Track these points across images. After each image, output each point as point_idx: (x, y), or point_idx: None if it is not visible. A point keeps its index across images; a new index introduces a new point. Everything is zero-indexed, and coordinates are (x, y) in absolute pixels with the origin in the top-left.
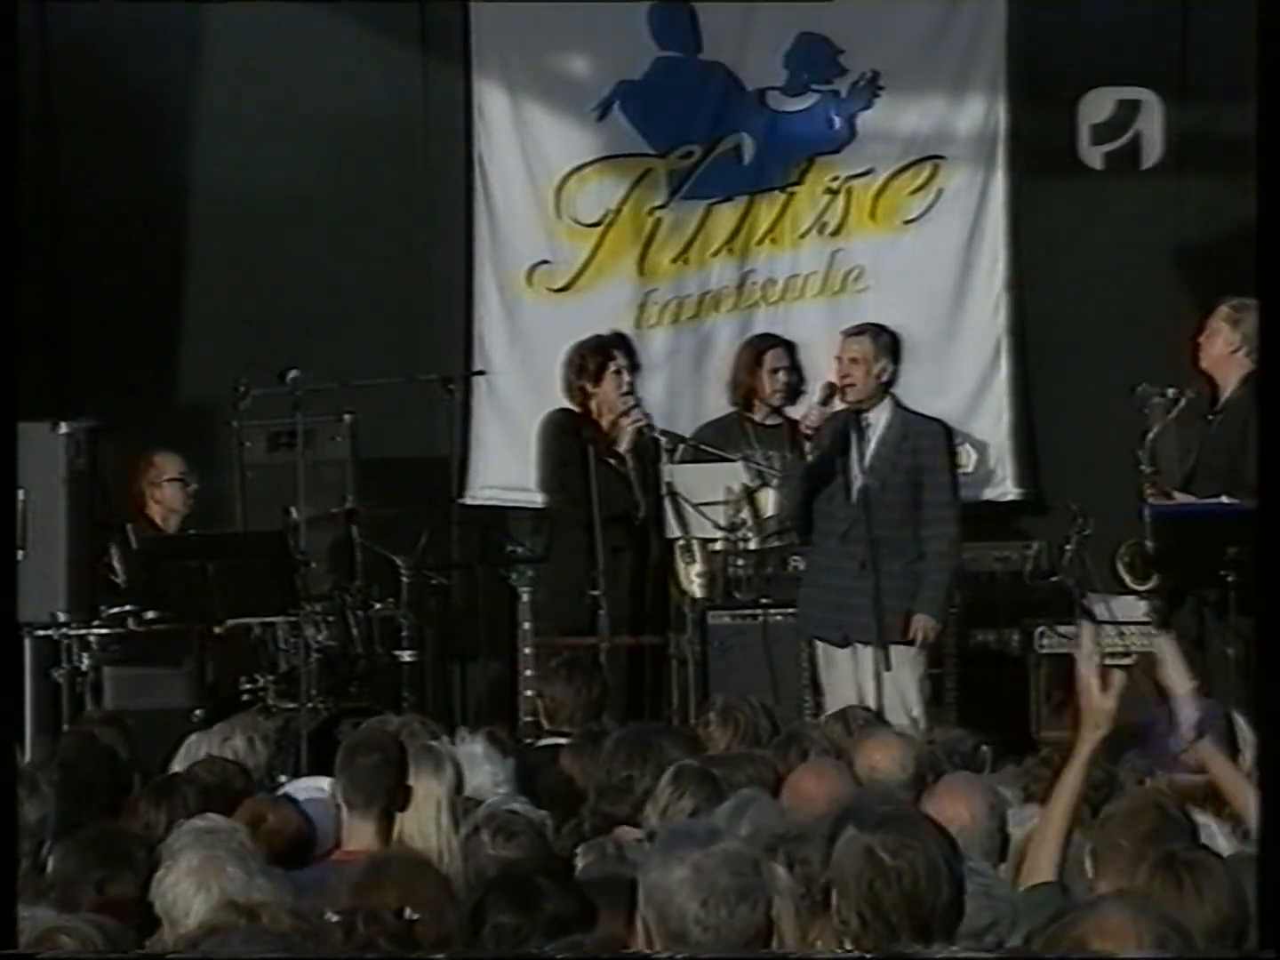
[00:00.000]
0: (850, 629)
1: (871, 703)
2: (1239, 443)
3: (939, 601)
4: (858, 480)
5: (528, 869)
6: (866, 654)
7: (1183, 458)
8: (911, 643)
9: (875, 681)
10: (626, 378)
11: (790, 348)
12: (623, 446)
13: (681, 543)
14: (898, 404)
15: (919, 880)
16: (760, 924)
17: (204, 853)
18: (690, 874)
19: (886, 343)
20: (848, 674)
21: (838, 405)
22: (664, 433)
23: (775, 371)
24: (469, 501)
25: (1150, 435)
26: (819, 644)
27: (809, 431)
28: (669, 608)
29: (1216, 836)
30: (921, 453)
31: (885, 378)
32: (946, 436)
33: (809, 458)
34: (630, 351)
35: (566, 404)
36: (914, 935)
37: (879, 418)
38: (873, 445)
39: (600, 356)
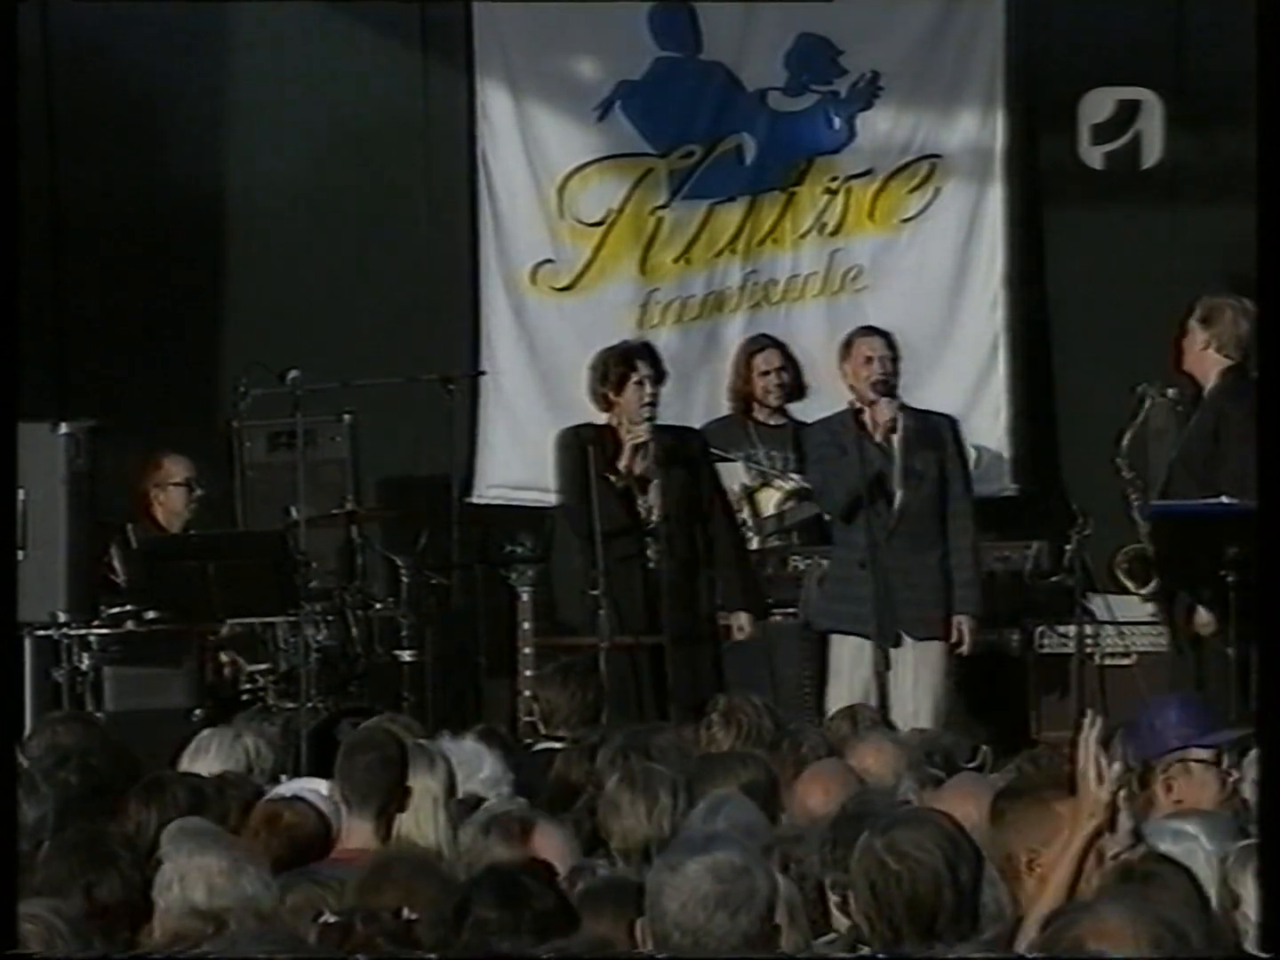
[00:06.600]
0: (900, 624)
1: (909, 699)
2: (1213, 438)
3: (975, 600)
4: (899, 477)
5: (512, 868)
6: (904, 650)
7: (1169, 459)
8: (958, 644)
9: (912, 677)
10: (649, 389)
11: (783, 348)
12: (622, 462)
13: None
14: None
15: (918, 883)
16: (749, 931)
17: (193, 854)
18: (672, 878)
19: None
20: (868, 671)
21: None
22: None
23: (766, 374)
24: (476, 501)
25: (1125, 439)
26: (839, 639)
27: (891, 428)
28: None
29: (1199, 837)
30: (942, 446)
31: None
32: (957, 430)
33: (822, 460)
34: (654, 361)
35: (587, 406)
36: (918, 938)
37: (899, 415)
38: (900, 443)
39: (624, 366)
